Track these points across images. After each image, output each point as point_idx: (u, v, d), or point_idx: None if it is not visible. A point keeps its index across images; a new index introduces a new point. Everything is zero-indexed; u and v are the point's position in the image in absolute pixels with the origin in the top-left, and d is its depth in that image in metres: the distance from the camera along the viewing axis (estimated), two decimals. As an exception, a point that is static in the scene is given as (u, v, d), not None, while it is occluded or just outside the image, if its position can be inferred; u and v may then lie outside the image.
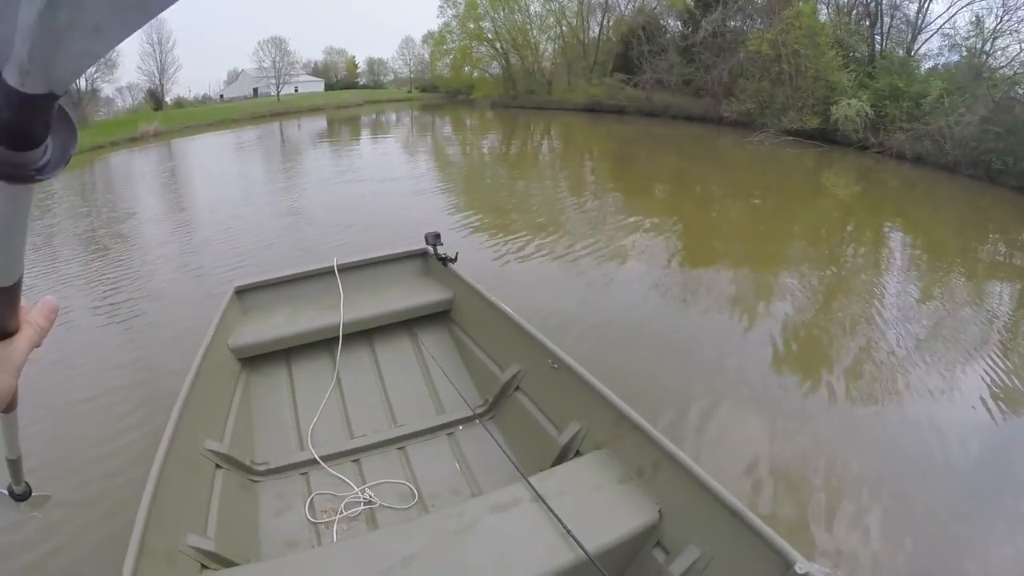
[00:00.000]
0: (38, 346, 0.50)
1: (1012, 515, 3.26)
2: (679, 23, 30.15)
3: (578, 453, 2.36)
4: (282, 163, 18.43)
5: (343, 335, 3.35)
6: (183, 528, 2.01)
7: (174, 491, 2.04)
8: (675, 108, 26.24)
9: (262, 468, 2.69)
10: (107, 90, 57.79)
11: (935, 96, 16.01)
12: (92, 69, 49.47)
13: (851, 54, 20.07)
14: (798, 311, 5.97)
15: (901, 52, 20.22)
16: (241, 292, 3.63)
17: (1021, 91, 15.01)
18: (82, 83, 51.49)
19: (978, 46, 17.30)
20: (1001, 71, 16.01)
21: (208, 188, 14.38)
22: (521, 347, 2.88)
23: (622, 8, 35.04)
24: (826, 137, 18.38)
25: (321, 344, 3.41)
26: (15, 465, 1.07)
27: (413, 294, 3.64)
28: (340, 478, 2.64)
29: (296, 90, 63.09)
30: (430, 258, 3.93)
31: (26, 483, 1.11)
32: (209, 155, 22.01)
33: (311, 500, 2.53)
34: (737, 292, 6.42)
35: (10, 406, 0.63)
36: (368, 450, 2.82)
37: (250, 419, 3.00)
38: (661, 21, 31.16)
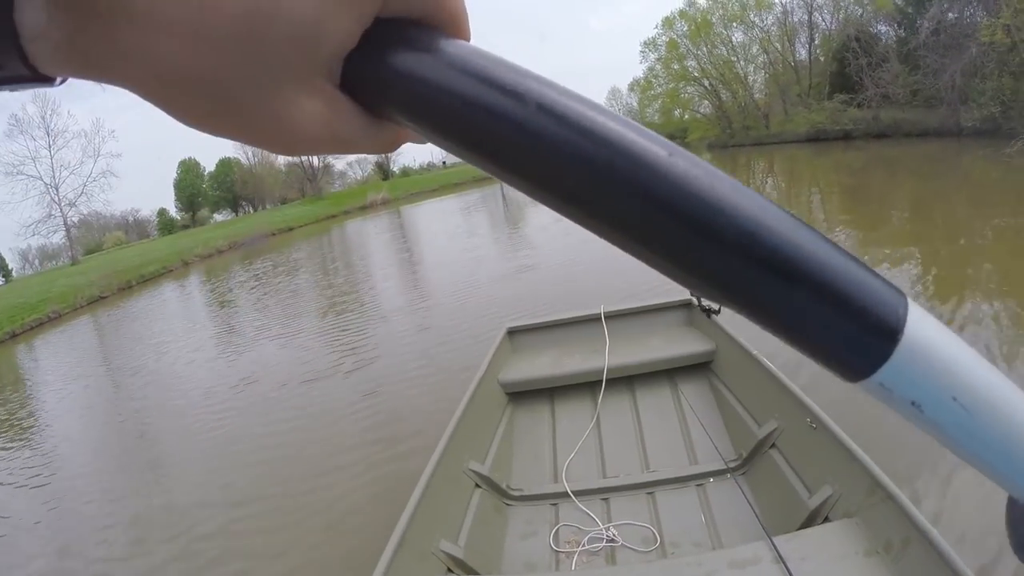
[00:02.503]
0: None
1: None
2: (893, 26, 28.26)
3: (827, 519, 2.25)
4: (507, 224, 19.35)
5: (606, 379, 3.48)
6: (438, 533, 2.26)
7: (436, 500, 2.33)
8: (906, 124, 24.08)
9: (516, 493, 2.86)
10: (339, 165, 67.25)
11: None
12: None
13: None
14: None
15: None
16: (512, 333, 3.99)
17: None
18: (315, 160, 60.47)
19: None
20: None
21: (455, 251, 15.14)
22: (780, 403, 2.82)
23: (827, 23, 32.99)
24: None
25: (584, 386, 3.57)
26: None
27: (675, 344, 3.71)
28: (587, 513, 2.71)
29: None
30: (694, 309, 3.97)
31: None
32: (440, 219, 23.48)
33: (557, 530, 2.63)
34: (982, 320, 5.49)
35: None
36: (618, 490, 2.86)
37: (511, 448, 3.23)
38: (872, 28, 29.27)
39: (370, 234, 21.06)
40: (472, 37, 0.25)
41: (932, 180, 15.85)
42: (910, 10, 25.04)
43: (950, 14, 22.43)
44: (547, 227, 15.58)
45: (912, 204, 13.24)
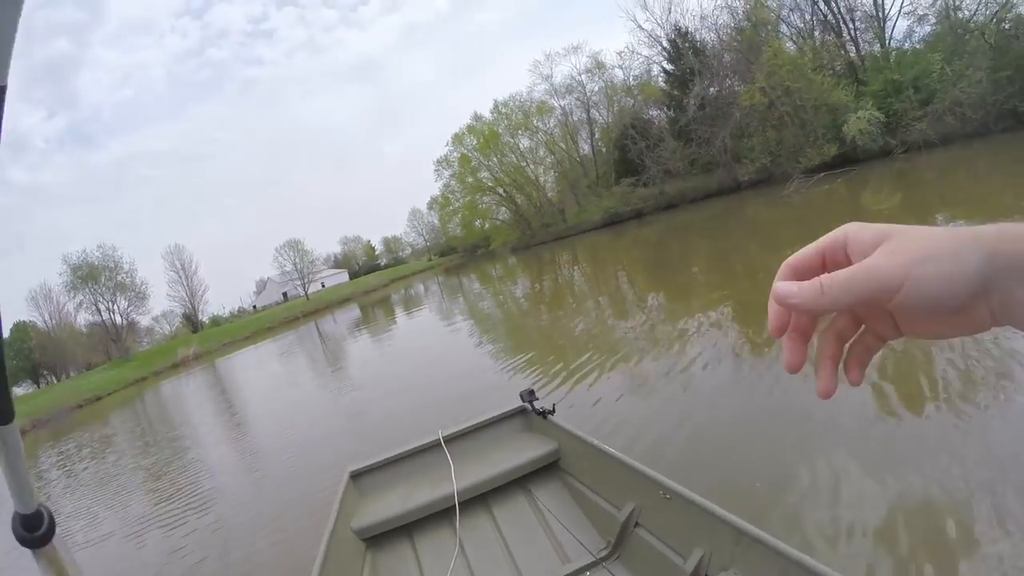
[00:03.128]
0: None
1: None
2: (663, 109, 30.57)
3: None
4: (327, 361, 17.94)
5: (459, 503, 3.41)
6: None
7: None
8: (690, 192, 25.89)
9: None
10: (144, 321, 61.29)
11: (937, 69, 15.39)
12: (124, 303, 53.69)
13: (834, 69, 19.86)
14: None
15: (878, 47, 19.97)
16: (356, 476, 3.82)
17: (1007, 27, 14.43)
18: (118, 318, 54.62)
19: (947, 4, 16.96)
20: (976, 18, 15.62)
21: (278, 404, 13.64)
22: (632, 483, 2.86)
23: (604, 117, 36.21)
24: (851, 159, 17.61)
25: (440, 515, 3.46)
26: None
27: (519, 451, 3.67)
28: None
29: (323, 285, 65.54)
30: (529, 414, 4.00)
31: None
32: (258, 369, 21.71)
33: None
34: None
35: None
36: None
37: None
38: (645, 115, 31.73)
39: (186, 397, 18.80)
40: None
41: (724, 236, 16.99)
42: (676, 92, 27.11)
43: (711, 89, 24.49)
44: (369, 361, 15.34)
45: (711, 262, 13.99)
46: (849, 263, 0.45)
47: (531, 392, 4.00)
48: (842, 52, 21.00)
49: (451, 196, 47.00)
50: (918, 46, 19.09)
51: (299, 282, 60.41)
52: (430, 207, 56.32)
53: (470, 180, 44.64)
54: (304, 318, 38.24)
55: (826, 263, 0.46)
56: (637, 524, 2.86)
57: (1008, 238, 0.40)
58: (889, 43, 20.13)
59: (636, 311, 10.98)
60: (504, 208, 44.26)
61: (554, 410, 3.79)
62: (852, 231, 0.45)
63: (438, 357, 12.09)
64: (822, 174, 17.83)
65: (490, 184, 43.74)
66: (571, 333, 10.82)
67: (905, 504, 3.25)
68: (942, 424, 3.92)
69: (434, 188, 67.36)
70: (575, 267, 23.64)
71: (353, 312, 33.48)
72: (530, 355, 9.96)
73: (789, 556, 1.88)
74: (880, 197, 13.53)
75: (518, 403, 4.04)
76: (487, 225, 45.97)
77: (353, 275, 71.09)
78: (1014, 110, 12.93)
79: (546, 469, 3.66)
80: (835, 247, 0.46)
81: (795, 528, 3.32)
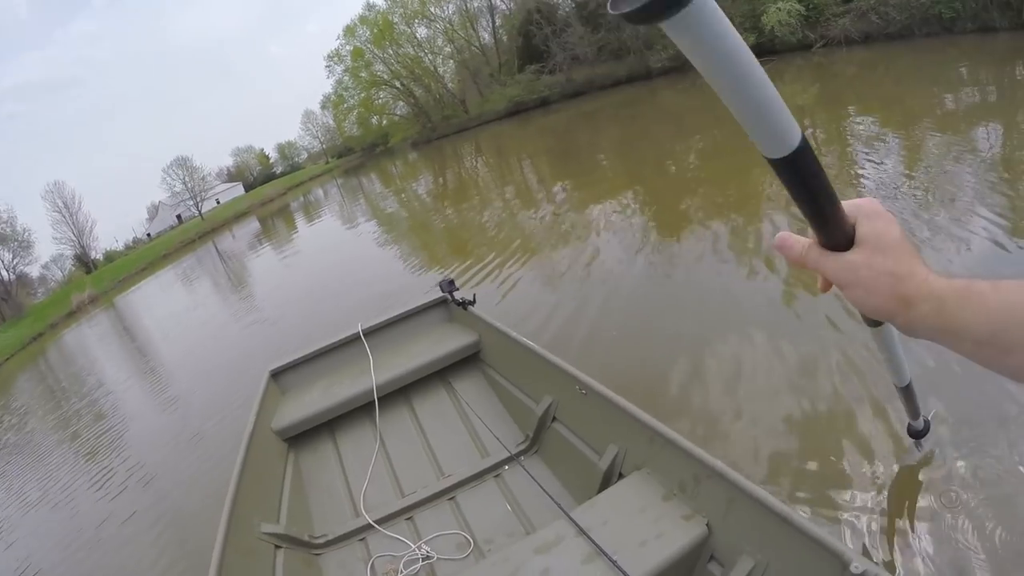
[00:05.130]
0: None
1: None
2: None
3: (621, 475, 2.33)
4: (231, 280, 16.93)
5: (379, 397, 3.38)
6: None
7: None
8: (599, 79, 25.04)
9: (321, 541, 2.72)
10: (33, 271, 56.12)
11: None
12: (8, 256, 48.20)
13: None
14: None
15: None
16: (276, 374, 3.74)
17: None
18: (4, 274, 49.74)
19: None
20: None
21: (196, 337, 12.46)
22: (551, 378, 2.85)
23: (506, 3, 34.37)
24: (768, 50, 17.13)
25: (360, 410, 3.44)
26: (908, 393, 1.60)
27: (440, 343, 3.63)
28: (396, 538, 2.64)
29: (218, 202, 61.68)
30: (450, 305, 3.96)
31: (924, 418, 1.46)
32: (160, 302, 19.96)
33: (372, 564, 2.53)
34: (716, 243, 5.88)
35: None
36: (420, 506, 2.81)
37: (304, 495, 3.05)
38: (550, 0, 30.26)
39: (90, 345, 17.40)
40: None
41: (633, 123, 16.66)
42: (583, -27, 25.56)
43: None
44: (273, 275, 14.98)
45: (620, 149, 13.87)
46: (854, 228, 0.60)
47: (451, 283, 3.91)
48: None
49: (345, 93, 44.31)
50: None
51: (192, 202, 56.76)
52: (323, 107, 52.76)
53: (364, 75, 42.02)
54: (201, 239, 36.03)
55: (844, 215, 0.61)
56: (555, 419, 2.86)
57: (928, 317, 0.55)
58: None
59: (543, 202, 10.79)
60: (402, 103, 42.14)
61: (475, 300, 3.74)
62: (866, 211, 0.60)
63: (345, 263, 11.98)
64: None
65: (386, 78, 41.35)
66: (478, 227, 10.60)
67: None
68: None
69: (327, 86, 63.15)
70: (479, 159, 23.09)
71: (252, 225, 31.91)
72: (439, 253, 9.81)
73: (701, 459, 1.92)
74: (797, 88, 13.52)
75: (438, 295, 3.97)
76: (385, 121, 44.00)
77: (248, 187, 67.27)
78: (939, 16, 12.76)
79: (466, 362, 3.63)
80: (852, 210, 0.61)
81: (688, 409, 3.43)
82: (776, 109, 0.51)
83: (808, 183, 0.57)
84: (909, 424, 2.31)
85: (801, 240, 0.63)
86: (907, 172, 6.04)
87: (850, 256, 0.59)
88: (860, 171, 6.51)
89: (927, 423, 2.32)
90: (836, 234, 0.60)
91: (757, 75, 0.48)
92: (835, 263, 0.59)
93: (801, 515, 1.59)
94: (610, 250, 6.77)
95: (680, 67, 20.07)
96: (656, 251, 6.34)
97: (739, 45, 0.46)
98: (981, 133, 6.53)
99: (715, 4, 0.43)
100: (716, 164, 9.10)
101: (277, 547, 2.52)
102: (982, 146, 6.10)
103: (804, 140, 0.54)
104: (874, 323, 1.09)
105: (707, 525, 1.86)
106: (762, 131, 0.52)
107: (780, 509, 1.64)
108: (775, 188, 6.89)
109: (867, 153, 7.03)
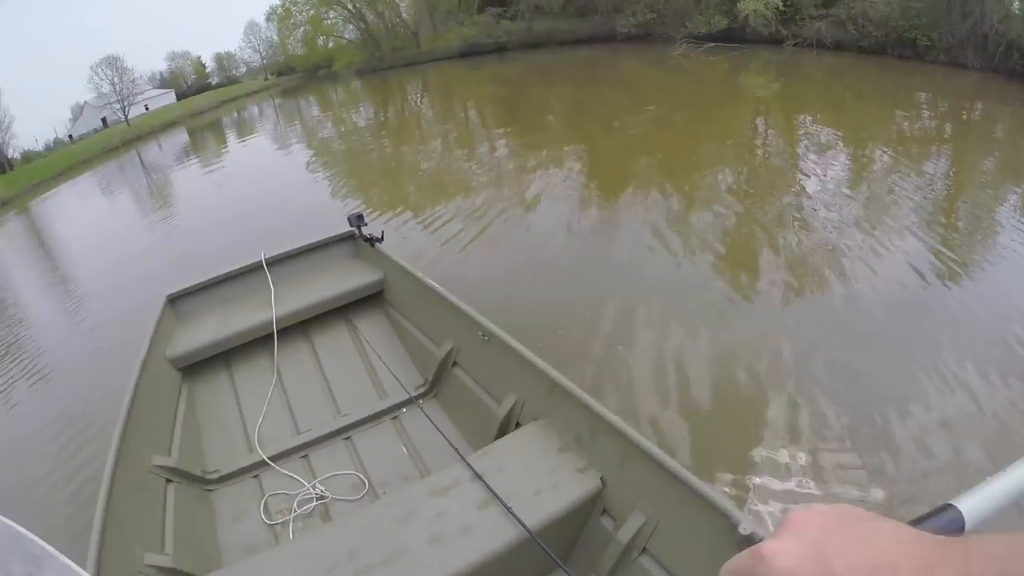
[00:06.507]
0: None
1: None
2: None
3: (518, 424, 2.35)
4: (152, 195, 15.90)
5: (278, 330, 3.30)
6: (139, 548, 2.01)
7: (126, 513, 2.05)
8: (561, 33, 24.67)
9: (214, 476, 2.67)
10: None
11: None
12: None
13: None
14: (721, 217, 5.98)
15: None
16: (174, 300, 3.57)
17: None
18: None
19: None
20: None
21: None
22: (453, 322, 2.85)
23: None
24: (739, 37, 17.35)
25: (258, 342, 3.34)
26: None
27: (344, 279, 3.57)
28: (291, 476, 2.63)
29: (147, 108, 58.01)
30: (357, 240, 3.85)
31: None
32: (80, 210, 18.87)
33: (265, 502, 2.52)
34: (656, 216, 6.22)
35: None
36: (316, 444, 2.80)
37: (197, 428, 2.98)
38: None
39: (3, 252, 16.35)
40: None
41: (588, 84, 16.71)
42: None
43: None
44: (198, 185, 14.87)
45: (572, 108, 13.85)
46: None
47: (360, 216, 3.79)
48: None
49: (293, 8, 42.08)
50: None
51: (119, 105, 53.30)
52: (269, 19, 49.86)
53: (316, -9, 40.12)
54: (125, 146, 33.96)
55: None
56: (455, 364, 2.87)
57: None
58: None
59: (484, 152, 10.81)
60: (352, 26, 40.43)
61: (382, 238, 3.65)
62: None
63: (272, 188, 11.64)
64: (711, 44, 17.50)
65: (338, -2, 39.60)
66: (413, 167, 10.55)
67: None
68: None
69: (274, -1, 59.30)
70: (424, 98, 22.60)
71: (181, 137, 30.26)
72: (369, 187, 9.72)
73: (598, 413, 1.94)
74: (760, 81, 13.73)
75: (347, 228, 3.86)
76: (332, 44, 42.18)
77: (181, 96, 63.40)
78: (914, 41, 12.99)
79: (370, 300, 3.59)
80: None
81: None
82: None
83: None
84: None
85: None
86: (849, 186, 6.43)
87: None
88: (802, 177, 6.79)
89: None
90: None
91: None
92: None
93: (692, 475, 1.63)
94: (543, 209, 6.93)
95: (647, 36, 19.99)
96: (587, 210, 6.50)
97: None
98: (929, 165, 6.95)
99: None
100: (665, 134, 9.29)
101: (168, 481, 2.47)
102: (928, 170, 6.58)
103: None
104: None
105: (601, 479, 1.90)
106: None
107: (672, 467, 1.68)
108: (712, 162, 7.17)
109: (815, 159, 7.35)
